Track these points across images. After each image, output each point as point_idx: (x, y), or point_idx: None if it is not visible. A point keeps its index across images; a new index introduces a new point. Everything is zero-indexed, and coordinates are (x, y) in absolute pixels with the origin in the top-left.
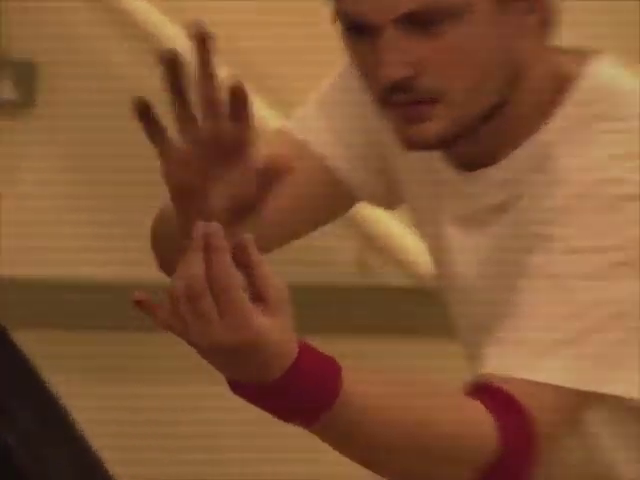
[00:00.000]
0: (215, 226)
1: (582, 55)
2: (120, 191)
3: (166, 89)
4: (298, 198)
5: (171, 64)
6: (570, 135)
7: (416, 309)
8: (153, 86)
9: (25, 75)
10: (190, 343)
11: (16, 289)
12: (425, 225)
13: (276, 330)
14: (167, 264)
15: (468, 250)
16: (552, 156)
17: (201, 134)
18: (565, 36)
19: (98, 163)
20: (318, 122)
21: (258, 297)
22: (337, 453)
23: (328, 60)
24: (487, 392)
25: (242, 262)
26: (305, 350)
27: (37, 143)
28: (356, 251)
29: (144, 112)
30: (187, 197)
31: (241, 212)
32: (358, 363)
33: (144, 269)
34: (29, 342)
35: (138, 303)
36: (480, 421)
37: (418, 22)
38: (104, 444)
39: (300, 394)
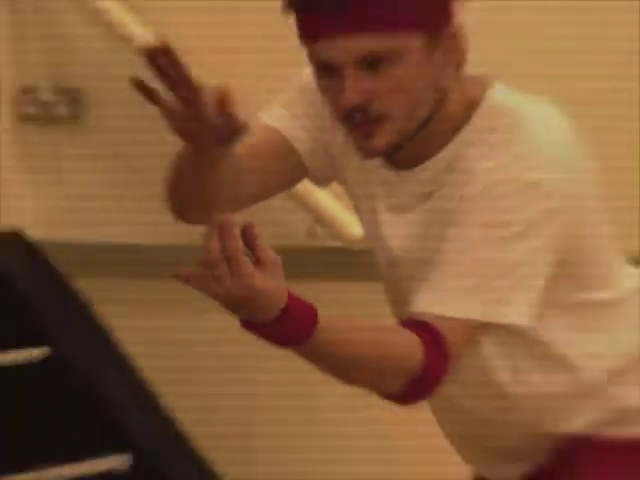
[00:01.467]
0: (227, 216)
1: (483, 81)
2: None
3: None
4: (267, 164)
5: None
6: (476, 143)
7: (347, 263)
8: None
9: (69, 96)
10: (213, 298)
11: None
12: (363, 210)
13: (271, 286)
14: (178, 205)
15: (396, 229)
16: (464, 158)
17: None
18: None
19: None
20: (283, 113)
21: (258, 263)
22: None
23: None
24: (416, 324)
25: (247, 239)
26: (292, 299)
27: (81, 146)
28: (308, 223)
29: (141, 86)
30: (186, 134)
31: (221, 142)
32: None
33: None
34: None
35: (178, 276)
36: (411, 342)
37: (370, 63)
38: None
39: (288, 329)
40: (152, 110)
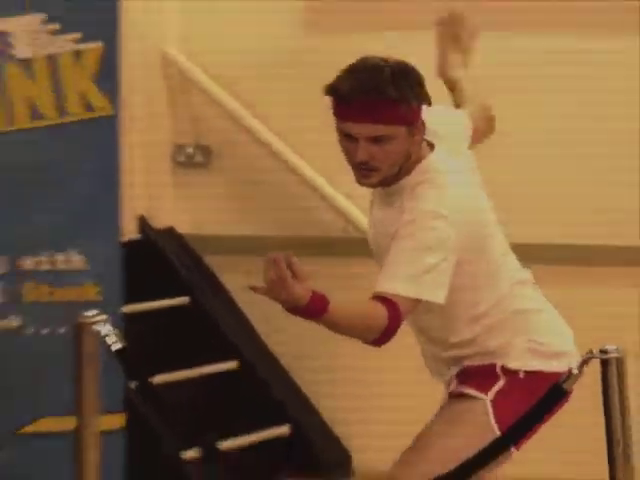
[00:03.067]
0: (276, 253)
1: (430, 145)
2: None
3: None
4: None
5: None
6: (411, 188)
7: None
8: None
9: (204, 151)
10: (270, 298)
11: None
12: (371, 208)
13: (301, 290)
14: None
15: (379, 219)
16: (404, 192)
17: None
18: None
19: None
20: None
21: (294, 276)
22: None
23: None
24: (381, 299)
25: (288, 263)
26: (314, 294)
27: (211, 181)
28: (342, 223)
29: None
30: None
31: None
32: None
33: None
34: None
35: (251, 288)
36: (379, 309)
37: (374, 140)
38: None
39: (311, 311)
40: (246, 162)
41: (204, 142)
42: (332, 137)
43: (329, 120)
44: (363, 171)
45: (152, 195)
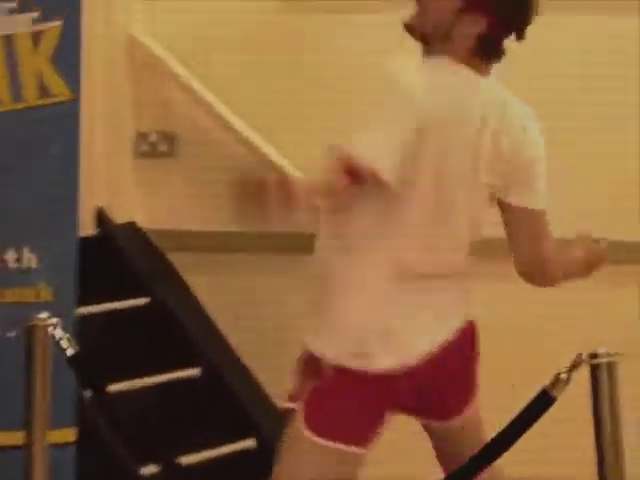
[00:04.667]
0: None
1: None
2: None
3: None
4: None
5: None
6: None
7: None
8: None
9: (168, 139)
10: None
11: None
12: None
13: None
14: None
15: None
16: None
17: None
18: None
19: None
20: None
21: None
22: None
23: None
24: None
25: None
26: None
27: (176, 171)
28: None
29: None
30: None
31: None
32: None
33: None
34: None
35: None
36: None
37: None
38: None
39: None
40: (215, 150)
41: (169, 129)
42: (304, 124)
43: (300, 106)
44: None
45: (112, 186)
